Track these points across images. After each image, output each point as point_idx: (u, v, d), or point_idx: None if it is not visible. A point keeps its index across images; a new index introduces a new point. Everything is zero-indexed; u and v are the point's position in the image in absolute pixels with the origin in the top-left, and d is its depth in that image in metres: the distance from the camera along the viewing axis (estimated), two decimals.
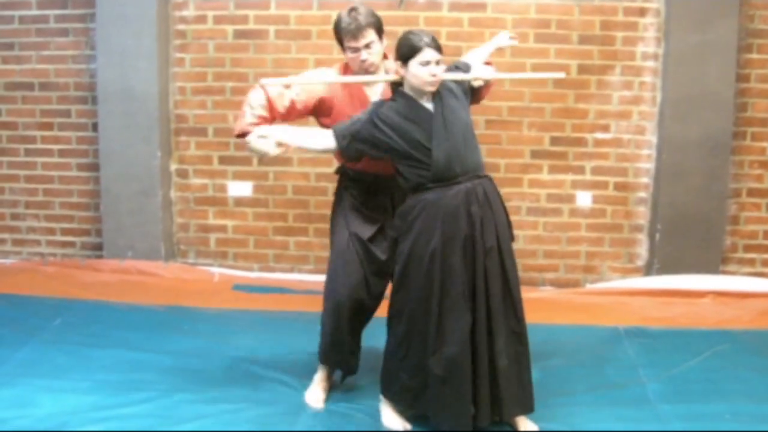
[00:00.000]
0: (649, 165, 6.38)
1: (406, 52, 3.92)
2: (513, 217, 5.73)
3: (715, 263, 6.38)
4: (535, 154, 6.42)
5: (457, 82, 4.11)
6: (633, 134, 6.37)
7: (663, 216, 6.31)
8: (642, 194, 6.43)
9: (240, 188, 6.64)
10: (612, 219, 6.48)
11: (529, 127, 6.39)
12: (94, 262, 6.72)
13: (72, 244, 6.96)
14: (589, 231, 6.51)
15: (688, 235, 6.31)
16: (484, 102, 6.19)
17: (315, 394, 4.50)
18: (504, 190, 6.14)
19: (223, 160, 6.63)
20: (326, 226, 6.34)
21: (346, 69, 4.42)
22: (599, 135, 6.38)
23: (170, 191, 6.70)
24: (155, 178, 6.55)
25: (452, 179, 3.97)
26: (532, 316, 5.58)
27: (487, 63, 4.46)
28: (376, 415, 4.25)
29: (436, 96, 4.01)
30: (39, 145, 6.87)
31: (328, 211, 6.29)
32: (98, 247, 6.84)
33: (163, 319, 5.71)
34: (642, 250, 6.50)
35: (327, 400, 4.49)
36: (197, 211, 6.74)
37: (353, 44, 4.24)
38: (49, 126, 6.83)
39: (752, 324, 5.75)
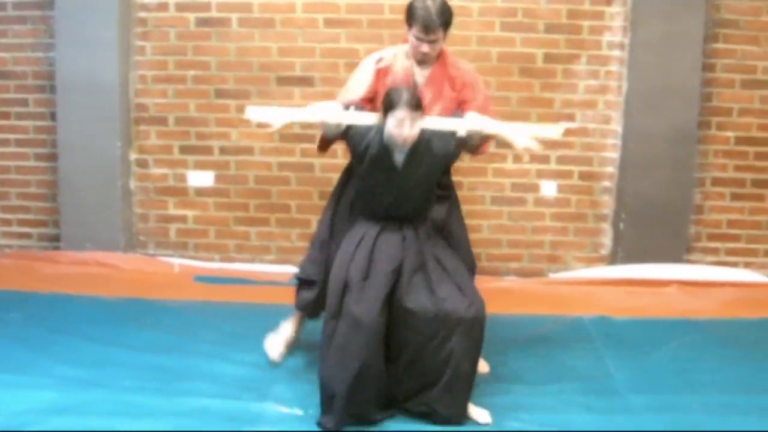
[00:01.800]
0: (615, 154, 6.37)
1: (385, 105, 4.00)
2: (477, 207, 5.74)
3: (679, 252, 6.39)
4: (499, 144, 6.22)
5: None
6: (599, 124, 6.35)
7: (628, 205, 6.30)
8: (607, 184, 6.42)
9: (201, 178, 6.54)
10: (577, 208, 6.47)
11: (494, 116, 6.27)
12: (52, 253, 6.60)
13: (29, 236, 6.83)
14: (553, 220, 6.48)
15: (653, 225, 6.30)
16: None
17: (276, 343, 4.81)
18: (468, 180, 6.23)
19: (183, 149, 6.52)
20: (288, 215, 6.34)
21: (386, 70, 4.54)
22: (565, 124, 6.30)
23: (130, 181, 6.58)
24: (115, 168, 6.43)
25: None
26: (496, 307, 5.59)
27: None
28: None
29: (411, 151, 4.08)
30: None
31: (290, 201, 6.32)
32: (56, 238, 6.70)
33: (124, 312, 5.60)
34: (606, 240, 6.49)
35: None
36: (157, 201, 6.62)
37: (420, 35, 4.34)
38: (6, 115, 6.67)
39: (717, 313, 5.77)
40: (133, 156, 6.56)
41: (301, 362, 4.73)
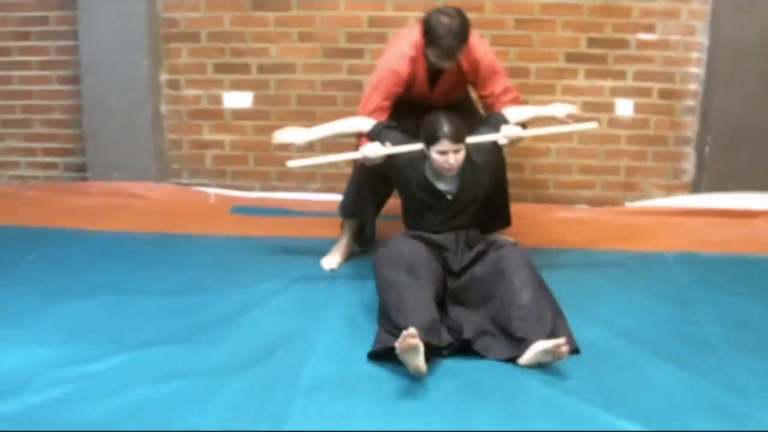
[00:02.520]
0: (699, 70, 5.86)
1: (426, 137, 4.10)
2: (544, 127, 5.18)
3: None
4: (570, 58, 5.91)
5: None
6: (681, 35, 5.83)
7: (713, 127, 5.83)
8: (690, 102, 5.92)
9: (238, 99, 6.19)
10: (656, 130, 5.99)
11: (564, 27, 5.86)
12: (79, 184, 6.31)
13: (54, 165, 6.54)
14: (630, 144, 6.02)
15: (742, 149, 5.83)
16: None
17: (330, 257, 4.86)
18: (535, 98, 5.71)
19: (218, 68, 6.15)
20: (334, 139, 5.79)
21: (418, 55, 4.51)
22: (643, 36, 5.85)
23: (160, 104, 6.23)
24: (143, 91, 6.12)
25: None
26: (565, 238, 5.17)
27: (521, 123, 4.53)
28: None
29: (458, 176, 4.21)
30: (15, 57, 6.42)
31: None
32: (83, 167, 6.40)
33: (152, 250, 5.13)
34: (689, 165, 6.01)
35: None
36: (191, 125, 6.28)
37: (440, 62, 4.38)
38: (25, 36, 6.37)
39: None
40: (163, 76, 6.21)
41: (349, 311, 4.18)
